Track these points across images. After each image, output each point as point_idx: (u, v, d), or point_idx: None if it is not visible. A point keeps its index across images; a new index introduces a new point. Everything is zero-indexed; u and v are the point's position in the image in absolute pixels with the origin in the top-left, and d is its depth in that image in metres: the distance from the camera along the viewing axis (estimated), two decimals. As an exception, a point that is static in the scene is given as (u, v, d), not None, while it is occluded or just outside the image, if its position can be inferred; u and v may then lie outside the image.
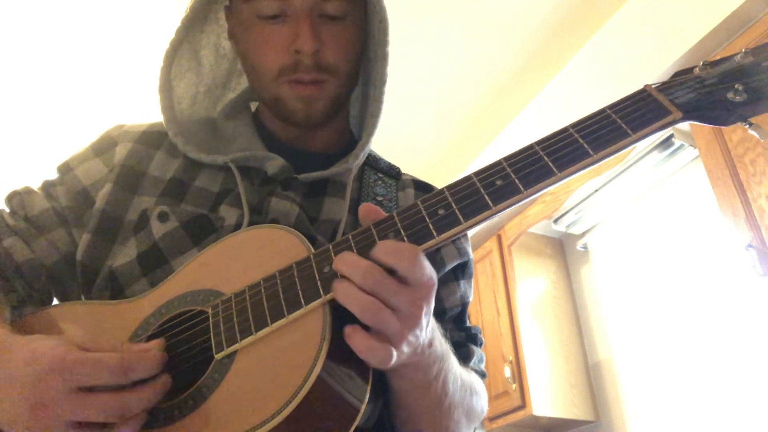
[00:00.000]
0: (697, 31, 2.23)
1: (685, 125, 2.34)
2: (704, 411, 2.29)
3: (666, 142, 2.51)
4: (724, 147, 2.08)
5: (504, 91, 3.06)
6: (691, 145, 2.45)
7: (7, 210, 0.83)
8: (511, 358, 2.80)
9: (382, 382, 0.71)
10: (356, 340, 0.54)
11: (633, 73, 2.51)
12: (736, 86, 0.58)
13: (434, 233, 0.57)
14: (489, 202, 0.57)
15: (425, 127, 3.29)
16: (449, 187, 0.60)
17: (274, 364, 0.56)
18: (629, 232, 2.84)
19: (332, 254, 0.59)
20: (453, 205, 0.58)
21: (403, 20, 2.65)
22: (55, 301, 0.81)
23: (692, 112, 0.59)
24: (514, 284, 2.97)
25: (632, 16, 2.57)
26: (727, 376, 2.24)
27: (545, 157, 0.59)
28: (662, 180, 2.70)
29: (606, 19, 2.68)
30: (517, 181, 0.58)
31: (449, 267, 0.86)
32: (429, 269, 0.56)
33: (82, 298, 0.79)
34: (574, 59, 2.86)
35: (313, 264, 0.59)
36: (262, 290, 0.60)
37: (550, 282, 3.10)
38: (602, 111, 0.61)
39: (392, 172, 0.91)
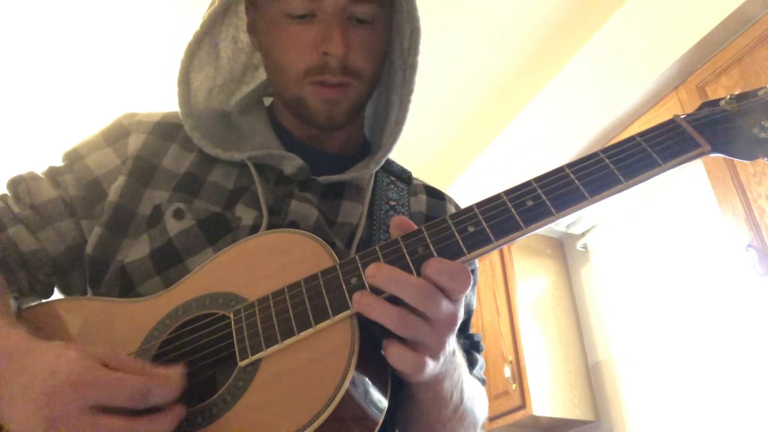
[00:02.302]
0: (696, 32, 2.23)
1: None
2: (704, 411, 2.29)
3: (666, 142, 2.50)
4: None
5: (504, 90, 3.06)
6: (691, 145, 2.45)
7: (11, 196, 0.80)
8: (511, 358, 2.80)
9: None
10: (389, 350, 0.55)
11: (633, 73, 2.51)
12: (762, 123, 0.59)
13: (465, 251, 0.57)
14: (520, 222, 0.57)
15: (426, 127, 3.29)
16: (479, 205, 0.60)
17: (302, 375, 0.55)
18: (629, 232, 2.84)
19: (359, 266, 0.59)
20: (483, 222, 0.58)
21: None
22: (57, 293, 0.79)
23: (720, 145, 0.60)
24: (514, 284, 2.97)
25: (632, 16, 2.57)
26: (727, 376, 2.24)
27: (576, 181, 0.59)
28: (662, 180, 2.69)
29: (606, 19, 2.68)
30: (548, 202, 0.58)
31: None
32: None
33: (89, 291, 0.77)
34: (574, 59, 2.86)
35: (340, 274, 0.59)
36: (287, 298, 0.59)
37: (550, 282, 3.10)
38: (632, 138, 0.61)
39: (404, 176, 0.90)
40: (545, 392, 2.70)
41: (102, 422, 0.50)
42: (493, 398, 2.86)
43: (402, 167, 0.93)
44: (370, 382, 0.57)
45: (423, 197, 0.89)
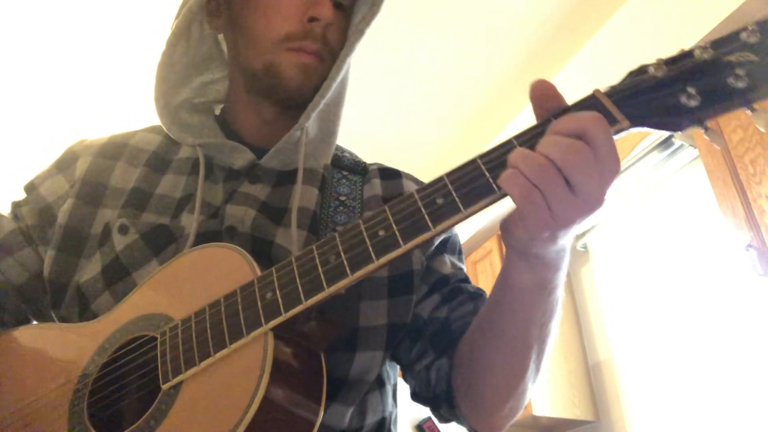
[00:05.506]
0: (696, 32, 2.23)
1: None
2: (704, 411, 2.29)
3: (666, 142, 2.51)
4: (724, 147, 2.08)
5: (504, 91, 3.06)
6: (691, 145, 2.45)
7: None
8: (511, 358, 2.80)
9: (360, 386, 0.71)
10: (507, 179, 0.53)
11: (633, 73, 2.51)
12: (689, 90, 0.53)
13: (373, 257, 0.55)
14: (429, 223, 0.54)
15: (426, 127, 3.29)
16: (390, 206, 0.57)
17: (216, 397, 0.55)
18: (629, 232, 2.84)
19: (275, 279, 0.59)
20: (394, 226, 0.56)
21: (403, 20, 2.65)
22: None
23: (641, 119, 0.55)
24: (514, 284, 2.96)
25: (632, 16, 2.57)
26: (727, 376, 2.24)
27: (486, 173, 0.55)
28: (662, 180, 2.70)
29: (606, 19, 2.68)
30: (458, 200, 0.54)
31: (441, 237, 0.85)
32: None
33: (52, 314, 0.79)
34: (574, 59, 2.86)
35: (256, 290, 0.59)
36: (207, 318, 0.60)
37: (550, 282, 3.10)
38: (548, 120, 0.56)
39: (357, 168, 0.88)
40: (545, 392, 2.70)
41: None
42: (493, 398, 2.86)
43: (355, 159, 0.90)
44: (296, 396, 0.56)
45: (377, 181, 0.87)
